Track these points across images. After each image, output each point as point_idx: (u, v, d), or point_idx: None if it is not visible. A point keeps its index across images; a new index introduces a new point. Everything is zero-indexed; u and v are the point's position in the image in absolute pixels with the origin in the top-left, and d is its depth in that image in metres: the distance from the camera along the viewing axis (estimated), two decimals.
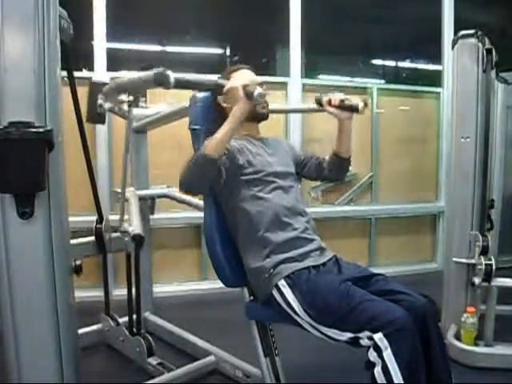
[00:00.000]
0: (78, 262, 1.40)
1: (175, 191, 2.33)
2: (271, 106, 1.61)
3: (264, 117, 1.56)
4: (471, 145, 2.10)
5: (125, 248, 1.95)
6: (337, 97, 1.46)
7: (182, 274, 3.20)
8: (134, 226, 1.87)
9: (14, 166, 1.04)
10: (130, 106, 1.91)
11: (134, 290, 1.97)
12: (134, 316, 1.98)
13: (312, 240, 1.45)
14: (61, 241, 1.17)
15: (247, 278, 1.47)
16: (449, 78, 3.49)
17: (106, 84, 2.19)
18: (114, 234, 2.05)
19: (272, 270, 1.37)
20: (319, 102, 1.51)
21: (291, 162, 1.60)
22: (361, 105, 1.42)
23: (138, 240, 1.84)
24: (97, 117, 2.09)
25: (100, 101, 2.10)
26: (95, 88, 2.13)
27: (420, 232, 3.76)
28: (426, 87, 3.75)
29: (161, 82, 1.24)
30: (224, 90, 1.36)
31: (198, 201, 2.18)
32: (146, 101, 2.33)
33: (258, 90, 1.31)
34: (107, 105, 2.22)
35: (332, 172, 1.62)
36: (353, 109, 1.44)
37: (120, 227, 1.98)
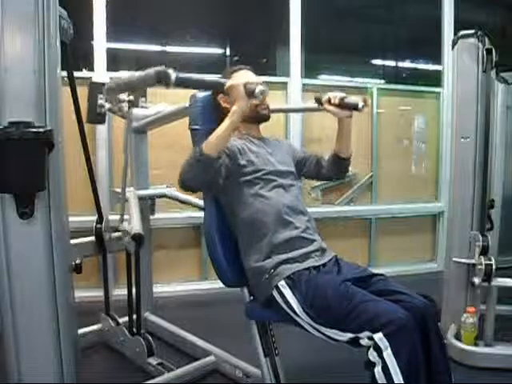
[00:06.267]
0: (77, 261, 1.39)
1: (175, 191, 2.33)
2: (271, 106, 1.61)
3: (265, 118, 1.56)
4: (471, 145, 2.10)
5: (125, 248, 1.95)
6: (336, 95, 1.46)
7: (182, 274, 3.20)
8: (134, 225, 1.87)
9: (14, 166, 1.04)
10: (129, 106, 1.91)
11: (134, 290, 1.97)
12: (134, 316, 1.98)
13: (313, 240, 1.45)
14: (61, 241, 1.17)
15: (247, 278, 1.47)
16: (449, 77, 3.49)
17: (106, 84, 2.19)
18: (114, 234, 2.05)
19: (272, 271, 1.37)
20: (319, 101, 1.50)
21: (291, 162, 1.60)
22: (360, 103, 1.41)
23: (138, 239, 1.83)
24: (97, 117, 2.10)
25: (100, 101, 2.10)
26: (95, 88, 2.13)
27: (420, 232, 3.76)
28: (425, 87, 3.75)
29: (162, 79, 1.24)
30: (225, 88, 1.36)
31: (197, 200, 2.18)
32: (146, 101, 2.33)
33: (259, 88, 1.31)
34: (108, 105, 2.23)
35: (331, 171, 1.62)
36: (352, 107, 1.44)
37: (120, 227, 1.98)
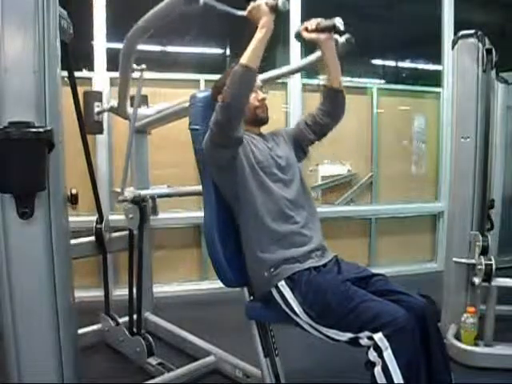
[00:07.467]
0: (73, 191, 1.37)
1: (175, 189, 2.32)
2: (272, 74, 1.58)
3: (264, 121, 1.56)
4: (471, 145, 2.10)
5: (128, 235, 1.93)
6: (312, 21, 1.45)
7: (182, 274, 3.20)
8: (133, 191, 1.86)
9: (14, 166, 1.04)
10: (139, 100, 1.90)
11: (134, 290, 1.97)
12: (134, 316, 1.98)
13: (312, 237, 1.45)
14: (61, 241, 1.17)
15: (247, 278, 1.47)
16: (449, 77, 3.49)
17: (100, 93, 2.21)
18: (114, 234, 2.05)
19: (273, 270, 1.37)
20: (298, 35, 1.48)
21: (291, 151, 1.60)
22: (338, 22, 1.38)
23: (139, 201, 1.81)
24: (94, 125, 2.11)
25: (97, 108, 2.11)
26: (90, 97, 2.15)
27: (420, 232, 3.76)
28: (426, 87, 3.76)
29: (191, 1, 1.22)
30: (246, 12, 1.35)
31: (197, 187, 2.15)
32: (147, 107, 2.35)
33: (281, 0, 1.28)
34: (108, 104, 2.24)
35: (327, 111, 1.56)
36: (330, 28, 1.42)
37: (119, 197, 1.95)
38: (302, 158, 1.65)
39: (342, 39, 1.54)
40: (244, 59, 1.31)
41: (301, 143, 1.62)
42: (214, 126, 1.34)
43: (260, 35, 1.32)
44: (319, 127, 1.59)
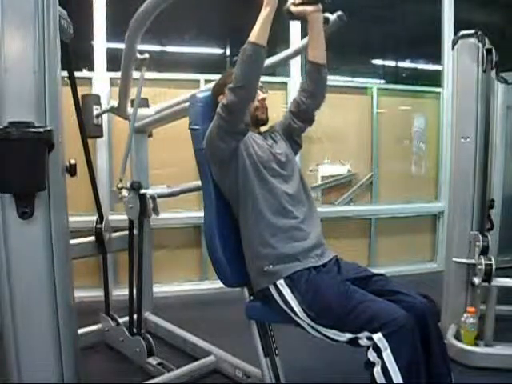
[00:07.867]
0: (72, 162, 1.36)
1: (175, 187, 2.33)
2: (271, 60, 1.56)
3: (264, 122, 1.57)
4: (471, 145, 2.10)
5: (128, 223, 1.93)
6: None
7: (182, 274, 3.20)
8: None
9: (14, 166, 1.04)
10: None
11: (134, 290, 1.97)
12: (134, 316, 1.98)
13: (309, 232, 1.45)
14: (61, 241, 1.17)
15: (247, 278, 1.47)
16: (449, 78, 3.50)
17: (98, 96, 2.21)
18: (114, 234, 2.05)
19: (272, 266, 1.37)
20: (288, 11, 1.48)
21: (288, 146, 1.60)
22: None
23: (136, 186, 1.82)
24: (94, 129, 2.11)
25: (96, 111, 2.11)
26: (89, 100, 2.14)
27: (420, 232, 3.76)
28: (426, 87, 3.76)
29: None
30: None
31: (197, 182, 2.16)
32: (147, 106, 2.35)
33: None
34: (107, 105, 2.24)
35: (310, 94, 1.55)
36: (316, 0, 1.43)
37: (117, 188, 1.97)
38: (297, 150, 1.66)
39: (333, 16, 1.53)
40: (252, 37, 1.33)
41: (292, 135, 1.63)
42: (223, 109, 1.35)
43: (265, 13, 1.33)
44: (303, 113, 1.59)
